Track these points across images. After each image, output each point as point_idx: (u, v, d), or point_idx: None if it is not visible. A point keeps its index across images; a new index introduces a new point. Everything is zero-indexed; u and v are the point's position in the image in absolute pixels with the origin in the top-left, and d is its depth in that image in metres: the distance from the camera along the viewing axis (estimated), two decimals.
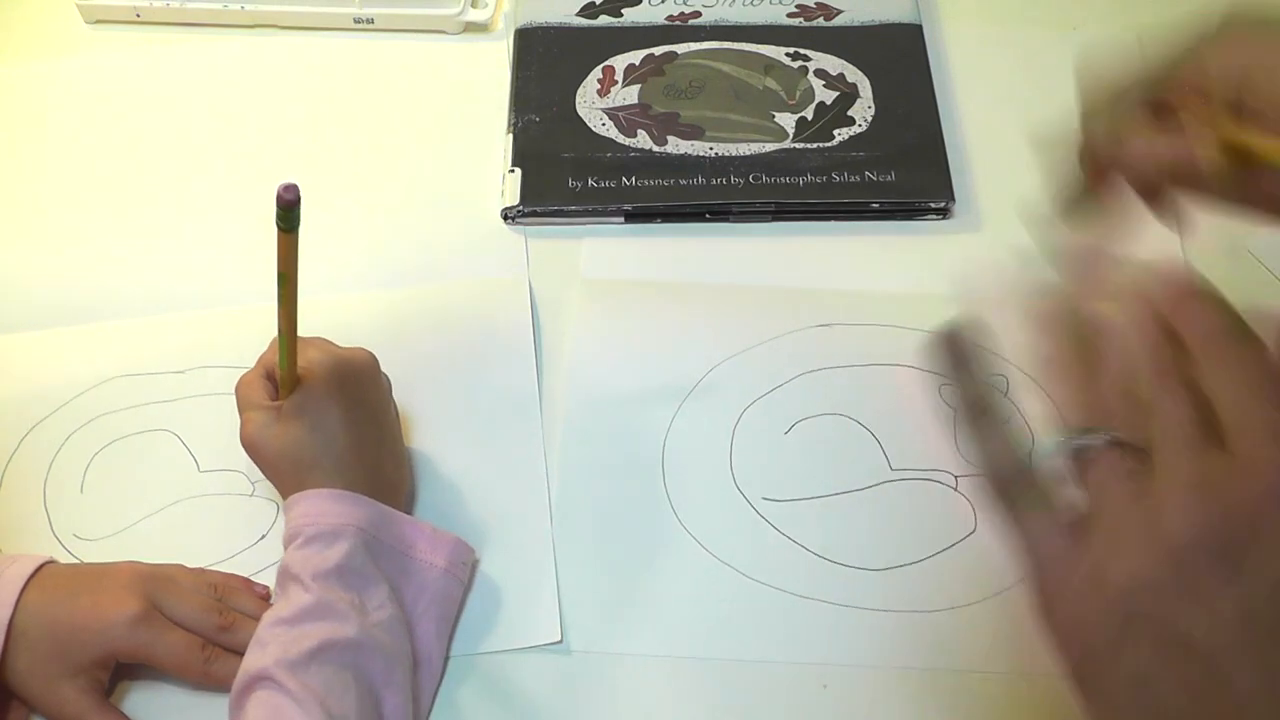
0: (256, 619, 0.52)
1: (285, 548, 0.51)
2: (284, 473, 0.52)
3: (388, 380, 0.56)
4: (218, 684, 0.51)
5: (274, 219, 0.45)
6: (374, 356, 0.55)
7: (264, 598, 0.55)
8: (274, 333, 0.50)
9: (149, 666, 0.51)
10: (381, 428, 0.55)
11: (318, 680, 0.46)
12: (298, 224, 0.45)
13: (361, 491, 0.51)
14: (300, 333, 0.51)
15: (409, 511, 0.56)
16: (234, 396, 0.54)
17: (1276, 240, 0.66)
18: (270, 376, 0.53)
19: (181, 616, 0.51)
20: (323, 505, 0.51)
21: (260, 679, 0.47)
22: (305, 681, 0.46)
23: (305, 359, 0.52)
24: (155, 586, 0.51)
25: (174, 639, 0.50)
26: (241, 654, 0.51)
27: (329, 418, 0.52)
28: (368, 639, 0.48)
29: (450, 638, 0.54)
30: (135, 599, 0.50)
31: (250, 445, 0.53)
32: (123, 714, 0.51)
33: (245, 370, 0.54)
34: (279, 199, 0.44)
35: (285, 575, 0.50)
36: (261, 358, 0.54)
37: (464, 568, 0.54)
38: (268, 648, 0.47)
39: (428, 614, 0.52)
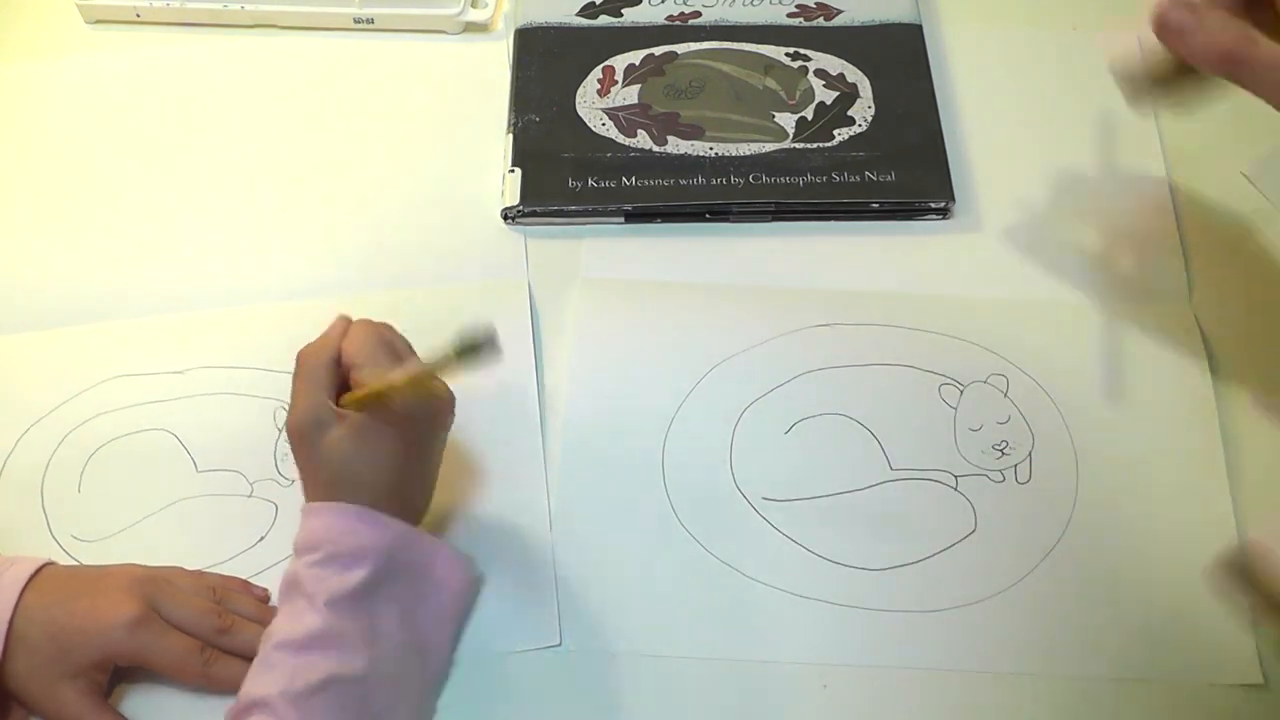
0: (256, 621, 0.52)
1: (298, 553, 0.50)
2: (319, 479, 0.51)
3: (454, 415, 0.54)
4: (217, 686, 0.51)
5: (457, 347, 0.45)
6: (454, 399, 0.52)
7: (263, 599, 0.54)
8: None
9: (148, 669, 0.51)
10: (429, 465, 0.53)
11: (319, 716, 0.46)
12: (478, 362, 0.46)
13: (387, 512, 0.50)
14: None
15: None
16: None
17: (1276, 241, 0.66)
18: (340, 363, 0.51)
19: (180, 619, 0.51)
20: (348, 524, 0.49)
21: (260, 705, 0.46)
22: (306, 716, 0.46)
23: (390, 381, 0.50)
24: (154, 589, 0.51)
25: (172, 642, 0.50)
26: (241, 656, 0.50)
27: (388, 451, 0.50)
28: (374, 673, 0.48)
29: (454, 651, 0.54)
30: (134, 602, 0.50)
31: (298, 434, 0.50)
32: (121, 715, 0.51)
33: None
34: (471, 340, 0.44)
35: (296, 589, 0.49)
36: (329, 336, 0.52)
37: (476, 590, 0.54)
38: (273, 672, 0.47)
39: (441, 633, 0.52)
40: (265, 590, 0.55)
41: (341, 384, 0.51)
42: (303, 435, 0.50)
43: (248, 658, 0.49)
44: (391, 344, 0.52)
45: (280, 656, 0.47)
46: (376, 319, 0.62)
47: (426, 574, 0.52)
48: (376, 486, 0.50)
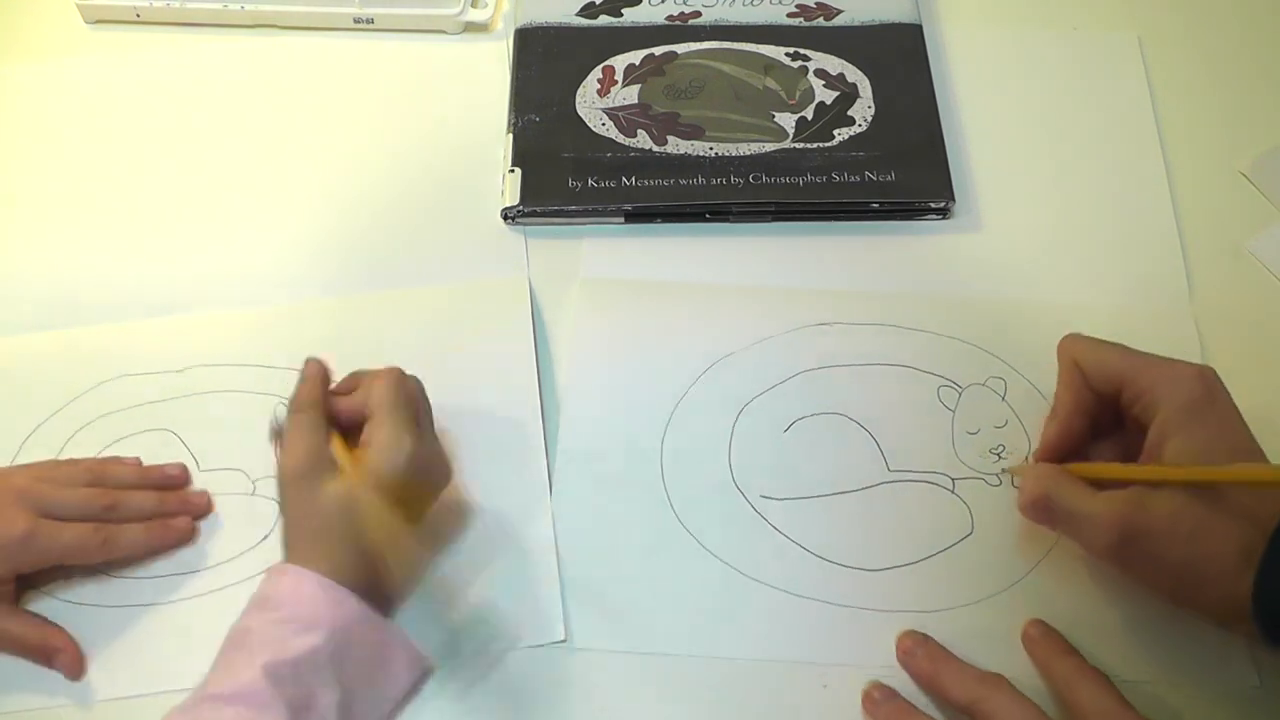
0: (137, 486, 0.55)
1: (255, 606, 0.48)
2: (305, 528, 0.50)
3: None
4: (120, 555, 0.54)
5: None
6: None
7: (135, 464, 0.57)
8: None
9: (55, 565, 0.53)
10: (411, 556, 0.52)
11: None
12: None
13: (355, 584, 0.49)
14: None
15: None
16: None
17: (1276, 241, 0.66)
18: (341, 408, 0.52)
19: (68, 512, 0.53)
20: (312, 590, 0.48)
21: None
22: None
23: (402, 448, 0.50)
24: (37, 494, 0.53)
25: (68, 537, 0.52)
26: (131, 519, 0.54)
27: (377, 524, 0.49)
28: None
29: None
30: (21, 515, 0.51)
31: (294, 477, 0.50)
32: (36, 615, 0.53)
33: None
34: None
35: (243, 642, 0.47)
36: (313, 380, 0.53)
37: (424, 682, 0.52)
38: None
39: None
40: (136, 458, 0.58)
41: (345, 427, 0.52)
42: (300, 479, 0.50)
43: (141, 520, 0.54)
44: (413, 402, 0.52)
45: (206, 709, 0.45)
46: (376, 319, 0.63)
47: (378, 663, 0.49)
48: (358, 558, 0.49)
